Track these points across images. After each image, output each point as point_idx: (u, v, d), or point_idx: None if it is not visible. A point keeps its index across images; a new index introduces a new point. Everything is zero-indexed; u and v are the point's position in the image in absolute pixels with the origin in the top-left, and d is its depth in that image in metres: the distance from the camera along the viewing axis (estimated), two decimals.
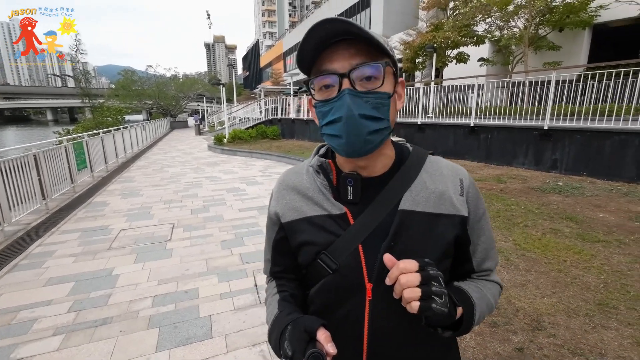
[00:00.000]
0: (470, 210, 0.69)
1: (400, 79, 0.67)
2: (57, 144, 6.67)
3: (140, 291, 2.83)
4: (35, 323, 2.40)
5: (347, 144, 0.60)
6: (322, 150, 0.77)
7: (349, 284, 0.65)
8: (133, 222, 4.68)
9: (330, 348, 0.54)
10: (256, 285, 2.91)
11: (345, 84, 0.59)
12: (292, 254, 0.74)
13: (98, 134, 8.89)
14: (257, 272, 3.16)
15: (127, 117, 26.08)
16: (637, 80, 6.15)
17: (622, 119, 5.69)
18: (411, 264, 0.55)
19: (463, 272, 0.73)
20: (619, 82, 6.01)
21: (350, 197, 0.67)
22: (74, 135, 8.11)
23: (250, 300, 2.68)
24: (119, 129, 11.56)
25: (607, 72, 6.17)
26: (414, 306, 0.53)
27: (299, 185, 0.73)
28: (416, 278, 0.53)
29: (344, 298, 0.67)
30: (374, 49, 0.60)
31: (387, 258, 0.57)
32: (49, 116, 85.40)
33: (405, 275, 0.54)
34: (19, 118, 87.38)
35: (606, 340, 2.03)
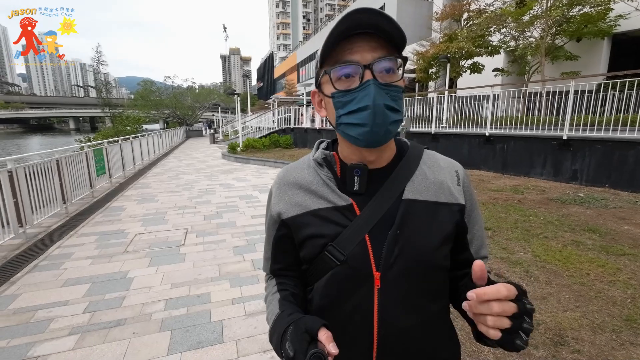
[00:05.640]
0: (466, 199, 0.71)
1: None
2: (78, 150, 6.90)
3: (153, 294, 2.86)
4: (52, 322, 2.44)
5: (371, 132, 0.61)
6: (324, 145, 0.78)
7: (358, 274, 0.66)
8: (148, 226, 4.76)
9: (332, 348, 0.53)
10: None
11: (368, 75, 0.60)
12: (293, 251, 0.74)
13: (117, 141, 9.15)
14: None
15: (145, 126, 26.81)
16: None
17: None
18: (511, 292, 0.49)
19: (462, 261, 0.73)
20: None
21: (356, 187, 0.68)
22: (94, 142, 8.40)
23: (262, 307, 2.66)
24: (137, 136, 11.84)
25: (629, 82, 6.01)
26: (494, 335, 0.49)
27: (301, 180, 0.73)
28: (512, 309, 0.49)
29: (353, 288, 0.67)
30: (391, 45, 0.62)
31: (478, 265, 0.52)
32: (71, 125, 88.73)
33: (501, 304, 0.48)
34: (44, 126, 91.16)
35: (635, 357, 1.91)
